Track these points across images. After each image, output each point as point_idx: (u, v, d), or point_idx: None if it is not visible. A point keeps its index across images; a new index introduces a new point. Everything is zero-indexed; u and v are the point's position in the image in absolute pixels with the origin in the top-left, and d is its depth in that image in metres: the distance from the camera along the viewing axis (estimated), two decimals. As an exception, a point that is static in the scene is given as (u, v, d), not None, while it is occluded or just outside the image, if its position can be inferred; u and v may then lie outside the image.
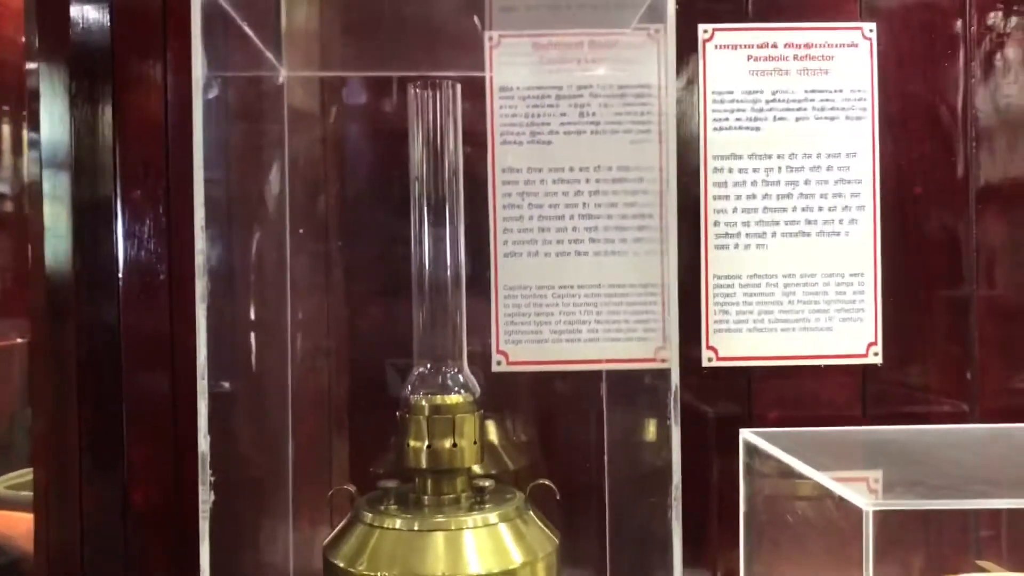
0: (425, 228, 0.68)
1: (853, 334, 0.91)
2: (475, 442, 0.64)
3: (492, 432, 0.86)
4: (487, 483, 0.64)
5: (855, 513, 0.60)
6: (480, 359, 0.88)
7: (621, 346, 0.89)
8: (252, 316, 0.83)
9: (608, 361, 0.88)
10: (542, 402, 0.90)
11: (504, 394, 0.89)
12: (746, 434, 0.83)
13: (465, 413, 0.64)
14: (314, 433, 0.89)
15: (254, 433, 0.83)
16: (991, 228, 0.94)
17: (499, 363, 0.89)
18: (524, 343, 0.89)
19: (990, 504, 0.62)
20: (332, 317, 0.90)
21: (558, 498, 0.67)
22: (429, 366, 0.65)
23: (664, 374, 0.92)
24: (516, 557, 0.61)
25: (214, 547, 0.70)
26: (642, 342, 0.90)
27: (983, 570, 0.72)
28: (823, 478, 0.64)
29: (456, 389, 0.65)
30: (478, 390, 0.66)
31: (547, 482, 0.67)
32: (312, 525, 0.86)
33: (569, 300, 0.89)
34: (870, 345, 0.91)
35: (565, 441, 0.90)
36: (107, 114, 0.88)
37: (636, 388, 0.87)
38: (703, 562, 0.93)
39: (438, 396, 0.64)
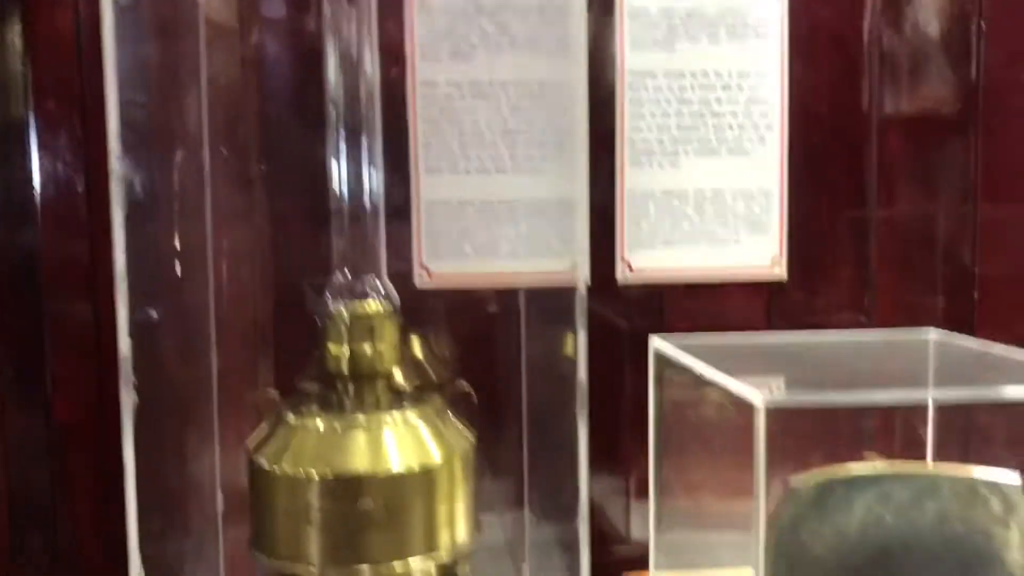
0: (342, 148, 0.69)
1: (759, 249, 0.95)
2: (394, 347, 0.67)
3: (415, 346, 0.89)
4: (406, 386, 0.67)
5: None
6: (403, 275, 0.90)
7: (541, 261, 0.92)
8: (173, 234, 0.83)
9: (528, 275, 0.91)
10: (464, 316, 0.93)
11: (427, 309, 0.91)
12: (655, 341, 0.87)
13: (384, 319, 0.66)
14: (239, 351, 0.90)
15: (178, 351, 0.84)
16: (892, 150, 0.99)
17: (421, 278, 0.91)
18: (446, 259, 0.91)
19: (872, 399, 0.67)
20: (254, 235, 0.91)
21: (475, 401, 0.70)
22: (348, 275, 0.67)
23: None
24: (435, 454, 0.64)
25: (141, 461, 0.72)
26: (561, 257, 0.93)
27: (867, 460, 0.77)
28: (722, 377, 0.68)
29: (375, 297, 0.67)
30: (397, 299, 0.68)
31: (464, 384, 0.70)
32: (239, 437, 0.88)
33: (490, 216, 0.91)
34: (775, 259, 0.95)
35: (486, 353, 0.92)
36: (16, 29, 0.85)
37: (554, 302, 0.90)
38: (617, 472, 0.98)
39: (357, 303, 0.66)
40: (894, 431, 1.00)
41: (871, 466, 0.74)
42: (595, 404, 0.97)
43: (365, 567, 0.62)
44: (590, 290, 0.93)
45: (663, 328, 0.95)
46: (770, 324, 0.98)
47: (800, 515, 0.70)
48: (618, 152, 0.93)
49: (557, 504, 0.90)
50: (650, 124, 0.92)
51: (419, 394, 0.70)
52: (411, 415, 0.65)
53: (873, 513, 0.72)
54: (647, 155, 0.93)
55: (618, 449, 0.97)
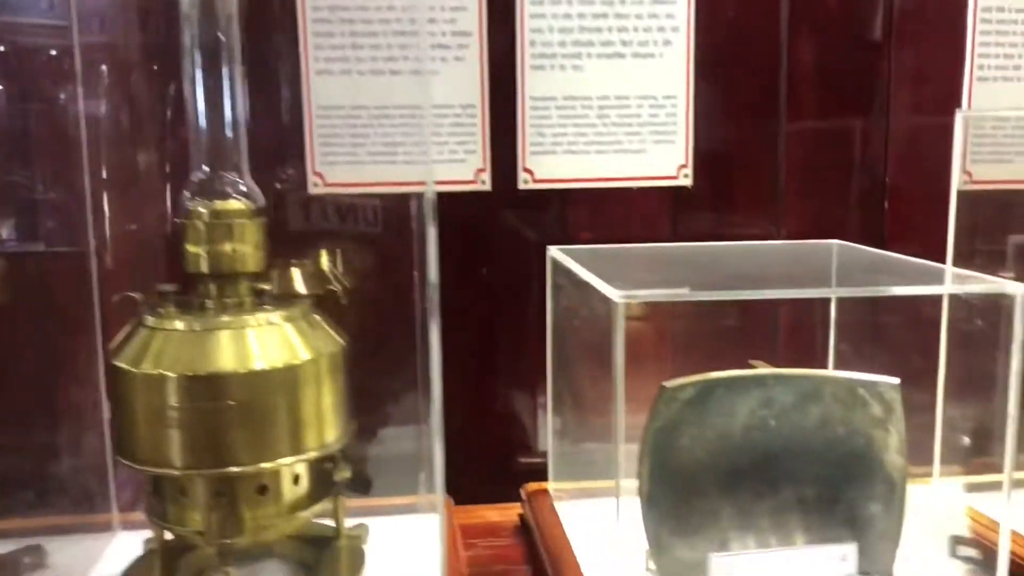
0: (199, 66, 0.65)
1: (665, 156, 0.93)
2: (258, 247, 0.65)
3: (321, 257, 0.87)
4: (267, 287, 0.65)
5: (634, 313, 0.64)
6: (296, 181, 0.88)
7: (440, 168, 0.90)
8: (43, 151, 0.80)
9: (423, 184, 0.89)
10: (359, 223, 0.91)
11: (321, 215, 0.89)
12: (552, 251, 0.86)
13: (245, 219, 0.64)
14: (125, 261, 0.87)
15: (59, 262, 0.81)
16: (802, 56, 0.97)
17: (316, 185, 0.89)
18: (340, 164, 0.88)
19: (727, 296, 0.66)
20: (140, 149, 0.88)
21: (344, 303, 0.68)
22: (207, 171, 0.64)
23: (481, 196, 0.94)
24: (302, 354, 0.63)
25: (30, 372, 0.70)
26: (462, 164, 0.91)
27: (753, 367, 0.77)
28: (589, 276, 0.67)
29: (235, 196, 0.64)
30: (261, 199, 0.66)
31: (334, 288, 0.68)
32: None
33: (386, 121, 0.88)
34: (681, 167, 0.94)
35: (382, 259, 0.91)
36: None
37: (452, 209, 0.88)
38: (523, 385, 0.98)
39: (217, 201, 0.64)
40: (801, 345, 1.00)
41: (752, 371, 0.74)
42: (501, 314, 0.97)
43: (231, 469, 0.62)
44: (493, 197, 0.93)
45: (567, 238, 0.94)
46: (676, 234, 0.97)
47: (679, 418, 0.69)
48: (518, 55, 0.90)
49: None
50: (551, 25, 0.89)
51: (294, 297, 0.68)
52: (275, 316, 0.63)
53: (756, 416, 0.72)
54: (549, 58, 0.90)
55: (524, 359, 0.97)
